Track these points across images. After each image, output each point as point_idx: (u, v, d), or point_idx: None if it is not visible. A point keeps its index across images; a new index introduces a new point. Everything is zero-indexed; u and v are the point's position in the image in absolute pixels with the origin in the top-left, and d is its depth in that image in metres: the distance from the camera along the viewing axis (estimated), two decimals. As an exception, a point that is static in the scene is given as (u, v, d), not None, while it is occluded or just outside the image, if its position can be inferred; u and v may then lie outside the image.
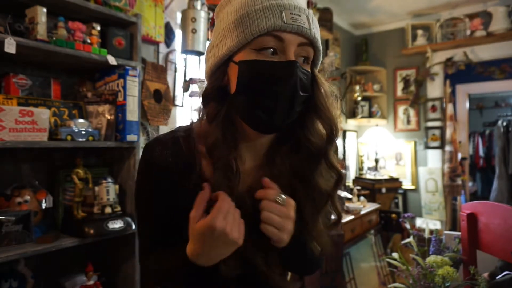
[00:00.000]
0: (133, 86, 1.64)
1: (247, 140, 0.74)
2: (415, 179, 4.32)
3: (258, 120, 0.67)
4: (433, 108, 4.21)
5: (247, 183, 0.74)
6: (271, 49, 0.66)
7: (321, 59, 0.74)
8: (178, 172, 0.73)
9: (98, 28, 1.60)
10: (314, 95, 0.70)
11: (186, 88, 2.26)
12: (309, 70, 0.70)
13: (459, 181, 3.73)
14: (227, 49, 0.68)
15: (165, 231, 0.76)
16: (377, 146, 4.36)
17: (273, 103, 0.65)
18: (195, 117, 0.77)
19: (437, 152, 4.17)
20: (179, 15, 2.32)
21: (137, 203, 0.79)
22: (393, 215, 3.69)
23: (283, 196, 0.67)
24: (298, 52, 0.67)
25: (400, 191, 4.27)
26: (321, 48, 0.72)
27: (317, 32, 0.69)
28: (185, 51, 2.18)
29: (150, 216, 0.77)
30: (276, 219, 0.66)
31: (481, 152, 5.54)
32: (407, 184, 4.35)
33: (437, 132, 4.19)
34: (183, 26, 2.15)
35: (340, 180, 0.74)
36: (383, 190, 4.00)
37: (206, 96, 0.72)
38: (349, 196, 3.45)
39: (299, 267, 0.83)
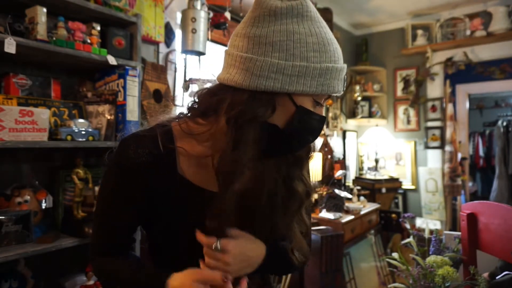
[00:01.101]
0: (133, 86, 1.64)
1: None
2: (415, 179, 4.32)
3: (277, 152, 0.74)
4: (433, 108, 4.21)
5: None
6: (319, 103, 0.74)
7: None
8: (153, 171, 0.72)
9: (98, 28, 1.60)
10: None
11: (186, 88, 2.26)
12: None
13: (459, 181, 3.73)
14: (298, 90, 0.67)
15: (120, 231, 0.77)
16: (377, 146, 4.36)
17: (301, 144, 0.75)
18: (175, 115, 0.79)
19: (437, 152, 4.17)
20: (179, 15, 2.32)
21: (98, 197, 0.78)
22: (393, 215, 3.69)
23: (218, 244, 0.69)
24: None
25: (400, 191, 4.27)
26: None
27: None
28: (185, 51, 2.18)
29: (107, 212, 0.76)
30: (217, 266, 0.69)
31: (481, 152, 5.54)
32: (407, 184, 4.35)
33: (437, 132, 4.19)
34: (183, 26, 2.15)
35: (309, 192, 0.80)
36: (383, 190, 3.99)
37: (217, 107, 0.70)
38: (349, 196, 3.45)
39: (278, 271, 0.93)
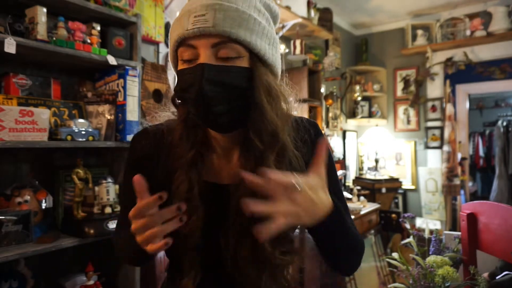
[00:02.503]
0: (133, 86, 1.64)
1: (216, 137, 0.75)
2: (415, 179, 4.32)
3: (203, 123, 0.69)
4: (433, 108, 4.21)
5: (233, 178, 0.74)
6: (189, 59, 0.66)
7: (264, 46, 0.66)
8: (157, 162, 0.76)
9: (98, 28, 1.60)
10: (253, 92, 0.66)
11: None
12: (241, 65, 0.65)
13: (457, 181, 3.73)
14: (171, 62, 0.73)
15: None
16: (377, 146, 4.36)
17: (195, 108, 0.65)
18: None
19: (437, 152, 4.17)
20: (179, 15, 2.32)
21: (119, 189, 0.85)
22: (393, 215, 3.69)
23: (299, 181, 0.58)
24: (216, 53, 0.64)
25: (400, 191, 4.27)
26: (246, 37, 0.63)
27: (231, 24, 0.62)
28: (185, 51, 2.18)
29: (123, 202, 0.83)
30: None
31: (481, 152, 5.54)
32: (407, 184, 4.35)
33: (437, 132, 4.19)
34: (183, 26, 2.15)
35: None
36: (383, 190, 4.00)
37: (173, 98, 0.75)
38: (349, 196, 3.45)
39: (340, 252, 0.73)
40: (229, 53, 0.64)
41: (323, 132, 0.86)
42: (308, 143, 0.79)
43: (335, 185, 0.80)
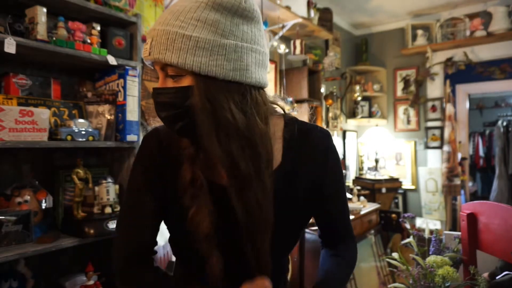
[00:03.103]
0: (133, 86, 1.64)
1: None
2: (415, 179, 4.32)
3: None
4: (433, 108, 4.21)
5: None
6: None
7: (197, 60, 0.63)
8: (168, 162, 0.76)
9: (98, 28, 1.60)
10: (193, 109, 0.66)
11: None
12: (183, 85, 0.65)
13: (457, 181, 3.73)
14: None
15: (142, 220, 0.79)
16: (377, 146, 4.36)
17: (164, 124, 0.72)
18: None
19: (437, 152, 4.17)
20: (179, 15, 2.31)
21: (125, 191, 0.84)
22: (393, 215, 3.69)
23: None
24: (168, 74, 0.67)
25: (400, 191, 4.27)
26: (173, 59, 0.63)
27: (160, 49, 0.63)
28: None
29: (129, 201, 0.80)
30: None
31: (481, 152, 5.54)
32: (407, 184, 4.35)
33: (437, 132, 4.19)
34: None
35: None
36: (383, 190, 4.00)
37: None
38: (349, 196, 3.45)
39: None
40: (172, 74, 0.66)
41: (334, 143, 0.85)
42: (318, 160, 0.79)
43: (340, 193, 0.85)
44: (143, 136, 0.82)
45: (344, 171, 3.76)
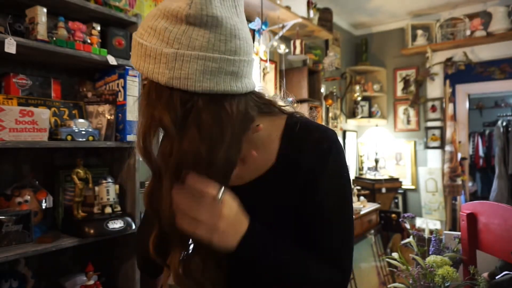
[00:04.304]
0: (133, 86, 1.64)
1: None
2: (415, 179, 4.33)
3: None
4: (433, 108, 4.21)
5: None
6: None
7: (146, 67, 0.65)
8: None
9: (98, 28, 1.60)
10: None
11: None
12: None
13: (459, 181, 3.73)
14: None
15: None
16: (377, 146, 4.36)
17: None
18: None
19: (437, 152, 4.17)
20: (179, 15, 2.32)
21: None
22: (393, 215, 3.69)
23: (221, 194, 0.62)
24: None
25: (400, 191, 4.27)
26: (135, 65, 0.67)
27: (132, 56, 0.68)
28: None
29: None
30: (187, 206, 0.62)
31: (481, 152, 5.54)
32: (407, 184, 4.35)
33: (437, 132, 4.19)
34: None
35: None
36: (383, 190, 4.00)
37: None
38: (349, 196, 3.44)
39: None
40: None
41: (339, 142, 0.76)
42: (315, 161, 0.72)
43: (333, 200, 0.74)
44: None
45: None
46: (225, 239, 0.63)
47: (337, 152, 0.74)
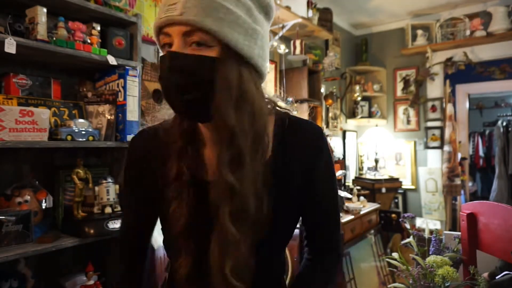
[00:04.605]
0: (133, 86, 1.64)
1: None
2: (415, 179, 4.33)
3: (174, 111, 0.69)
4: (433, 108, 4.21)
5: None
6: (167, 45, 0.66)
7: (235, 36, 0.64)
8: (155, 162, 0.76)
9: (98, 28, 1.60)
10: (213, 83, 0.64)
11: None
12: (205, 55, 0.63)
13: (457, 181, 3.73)
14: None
15: (136, 215, 0.83)
16: (377, 146, 4.36)
17: (166, 95, 0.66)
18: None
19: (437, 152, 4.17)
20: (179, 15, 2.31)
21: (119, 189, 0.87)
22: (393, 215, 3.69)
23: None
24: (188, 42, 0.63)
25: (400, 191, 4.27)
26: (213, 26, 0.61)
27: (198, 13, 0.61)
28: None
29: (122, 203, 0.86)
30: None
31: (481, 152, 5.55)
32: (407, 184, 4.35)
33: (437, 132, 4.19)
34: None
35: None
36: (383, 190, 4.00)
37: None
38: (349, 196, 3.45)
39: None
40: (198, 41, 0.63)
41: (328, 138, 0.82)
42: (308, 155, 0.76)
43: (328, 198, 0.79)
44: (132, 137, 0.83)
45: (344, 171, 3.76)
46: None
47: (326, 144, 0.79)
